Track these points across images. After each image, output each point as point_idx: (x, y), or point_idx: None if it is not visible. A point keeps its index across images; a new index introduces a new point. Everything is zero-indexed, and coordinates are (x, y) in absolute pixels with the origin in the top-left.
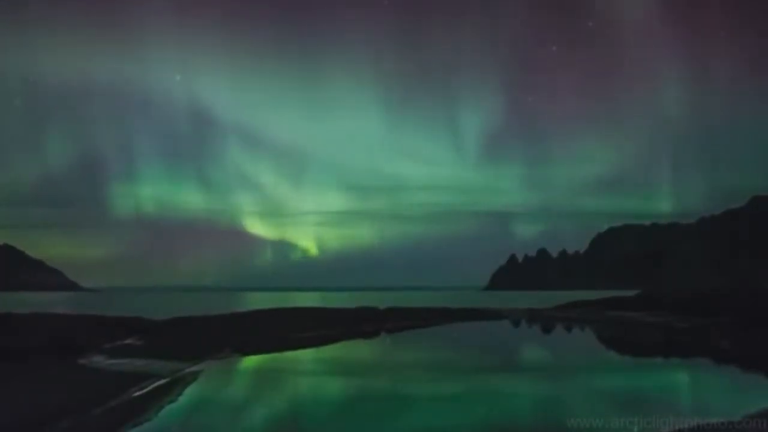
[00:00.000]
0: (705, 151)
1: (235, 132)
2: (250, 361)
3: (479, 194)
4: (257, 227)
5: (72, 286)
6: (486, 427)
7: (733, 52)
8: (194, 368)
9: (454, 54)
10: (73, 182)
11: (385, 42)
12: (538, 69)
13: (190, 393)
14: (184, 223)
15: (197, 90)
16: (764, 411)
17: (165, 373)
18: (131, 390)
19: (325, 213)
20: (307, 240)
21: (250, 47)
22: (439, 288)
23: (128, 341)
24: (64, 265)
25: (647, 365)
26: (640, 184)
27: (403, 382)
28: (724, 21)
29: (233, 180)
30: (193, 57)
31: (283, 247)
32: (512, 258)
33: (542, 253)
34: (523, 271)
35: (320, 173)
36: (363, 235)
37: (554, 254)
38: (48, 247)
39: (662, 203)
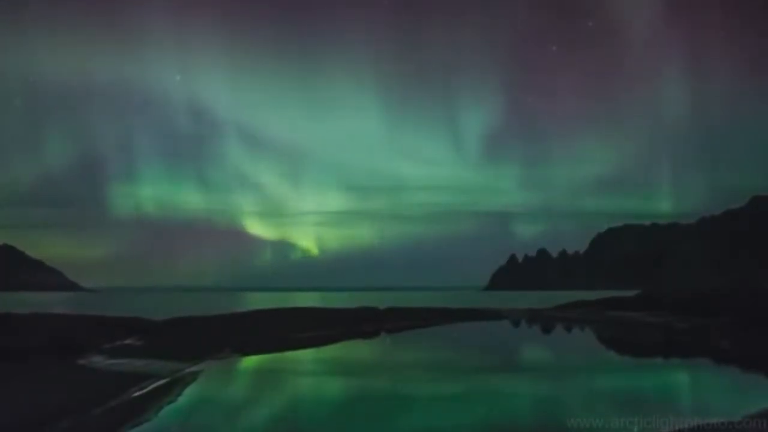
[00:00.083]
0: (705, 151)
1: (235, 132)
2: (250, 362)
3: (479, 194)
4: (257, 227)
5: (72, 286)
6: (486, 427)
7: (733, 52)
8: (194, 368)
9: (453, 54)
10: (73, 182)
11: (385, 42)
12: (538, 69)
13: (189, 393)
14: (183, 223)
15: (197, 90)
16: (764, 411)
17: (165, 373)
18: (131, 390)
19: (325, 213)
20: (307, 240)
21: (249, 47)
22: (439, 288)
23: (128, 341)
24: (64, 265)
25: (647, 365)
26: (640, 184)
27: (403, 382)
28: (724, 21)
29: (233, 180)
30: (193, 57)
31: (283, 247)
32: (512, 258)
33: (542, 253)
34: (523, 271)
35: (320, 173)
36: (363, 235)
37: (554, 254)
38: (48, 247)
39: (662, 203)
